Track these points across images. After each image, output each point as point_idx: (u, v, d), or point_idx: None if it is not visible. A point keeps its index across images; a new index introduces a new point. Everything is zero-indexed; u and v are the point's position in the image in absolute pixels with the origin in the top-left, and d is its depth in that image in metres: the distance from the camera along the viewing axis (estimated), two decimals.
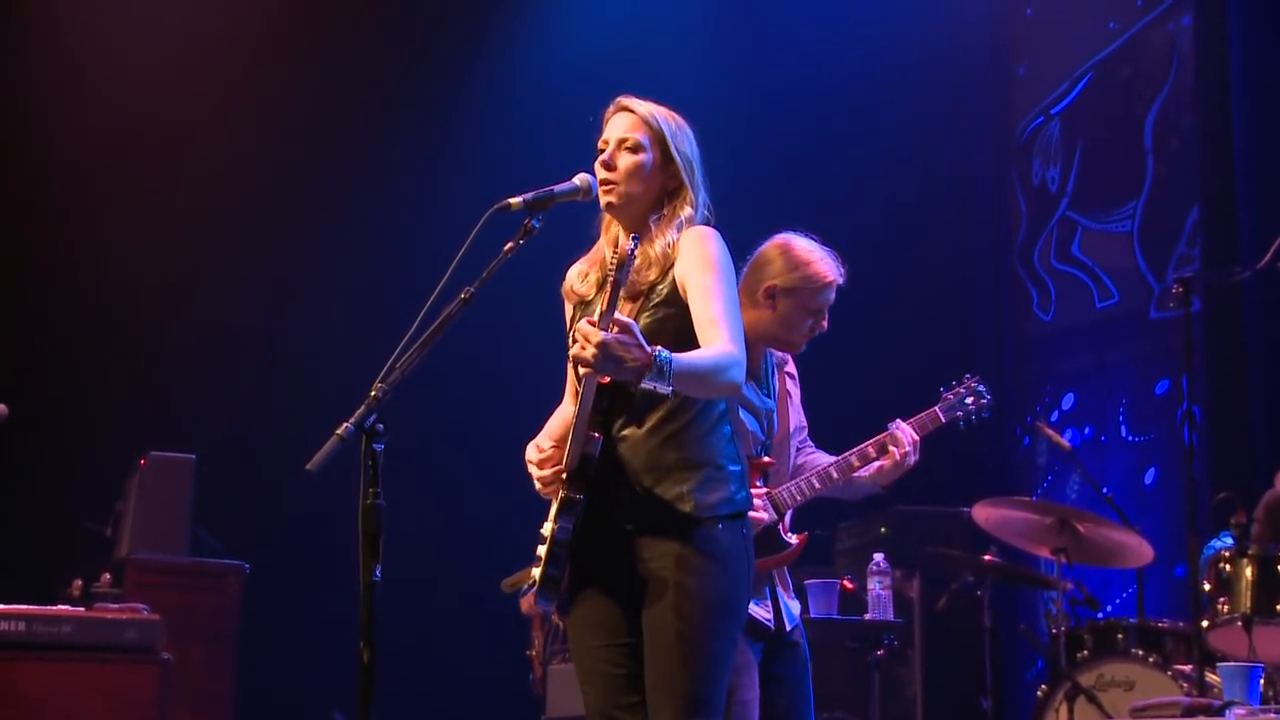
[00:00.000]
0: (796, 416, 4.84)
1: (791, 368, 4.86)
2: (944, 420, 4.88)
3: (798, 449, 4.82)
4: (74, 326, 8.75)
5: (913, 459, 4.69)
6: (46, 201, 8.82)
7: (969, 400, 4.94)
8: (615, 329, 3.35)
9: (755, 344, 4.47)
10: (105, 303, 8.80)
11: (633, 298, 3.68)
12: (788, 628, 4.50)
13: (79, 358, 8.72)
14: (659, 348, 3.39)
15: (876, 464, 4.71)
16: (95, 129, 8.89)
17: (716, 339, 3.55)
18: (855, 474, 4.73)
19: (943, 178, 10.00)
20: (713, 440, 3.67)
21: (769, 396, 4.66)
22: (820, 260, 4.61)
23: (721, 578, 3.58)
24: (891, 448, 4.67)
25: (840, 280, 4.62)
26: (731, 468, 3.69)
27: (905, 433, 4.69)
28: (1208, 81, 8.34)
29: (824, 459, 4.78)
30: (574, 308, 3.86)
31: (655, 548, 3.59)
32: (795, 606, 4.62)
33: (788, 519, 4.65)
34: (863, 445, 4.71)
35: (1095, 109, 9.47)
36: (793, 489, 4.64)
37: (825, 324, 4.63)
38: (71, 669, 6.03)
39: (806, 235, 4.67)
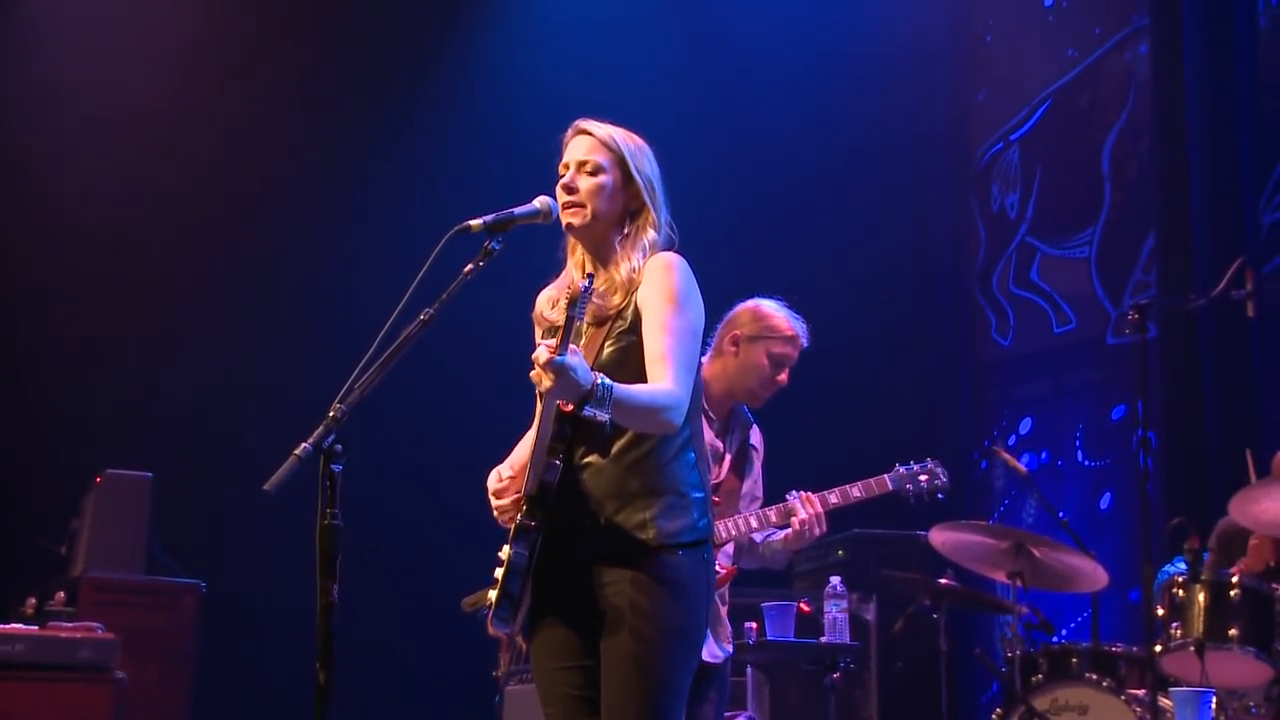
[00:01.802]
0: (751, 482, 4.99)
1: (757, 439, 5.08)
2: (891, 488, 5.13)
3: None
4: (31, 342, 8.70)
5: (815, 530, 4.86)
6: (2, 217, 8.78)
7: (922, 478, 5.16)
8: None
9: (723, 396, 4.95)
10: (62, 319, 8.76)
11: (599, 323, 3.70)
12: (704, 658, 4.59)
13: (35, 374, 8.67)
14: (600, 375, 3.41)
15: (785, 532, 4.96)
16: (55, 149, 8.86)
17: (661, 377, 3.56)
18: (770, 541, 5.00)
19: (902, 203, 10.04)
20: (676, 467, 3.67)
21: (720, 440, 4.93)
22: (784, 317, 5.02)
23: (680, 605, 3.59)
24: (791, 519, 4.85)
25: (803, 339, 5.02)
26: (695, 494, 3.69)
27: (805, 506, 4.91)
28: (1164, 109, 8.41)
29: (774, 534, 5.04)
30: (543, 333, 3.85)
31: (617, 574, 3.59)
32: (725, 647, 4.74)
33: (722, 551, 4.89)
34: (771, 507, 4.97)
35: (1054, 135, 9.54)
36: (727, 524, 4.91)
37: (784, 378, 4.99)
38: (25, 688, 6.00)
39: (779, 301, 5.04)
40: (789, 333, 4.96)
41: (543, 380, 3.35)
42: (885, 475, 5.10)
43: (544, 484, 3.59)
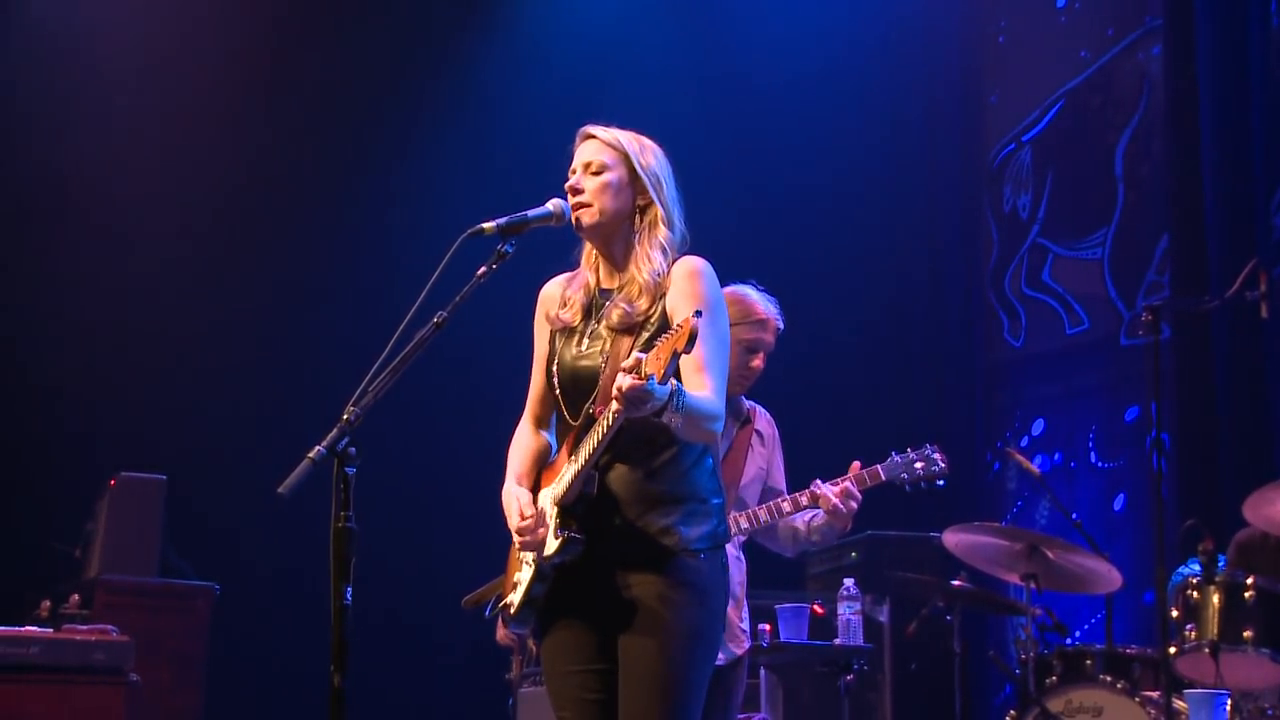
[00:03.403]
0: (757, 469, 4.95)
1: (761, 425, 5.04)
2: (884, 478, 5.01)
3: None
4: (45, 346, 8.71)
5: (844, 506, 4.85)
6: (12, 221, 8.79)
7: (918, 465, 5.04)
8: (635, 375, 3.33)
9: None
10: (76, 322, 8.77)
11: (628, 330, 3.68)
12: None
13: (50, 377, 8.68)
14: (673, 381, 3.39)
15: (817, 512, 4.92)
16: (67, 150, 8.89)
17: (699, 386, 3.57)
18: (813, 523, 4.95)
19: (915, 203, 10.05)
20: (696, 474, 3.69)
21: None
22: (757, 301, 4.90)
23: (700, 610, 3.61)
24: (821, 505, 4.87)
25: (776, 321, 4.90)
26: (714, 501, 3.72)
27: (826, 489, 4.86)
28: (1178, 110, 8.38)
29: (797, 517, 4.99)
30: (554, 333, 3.84)
31: (636, 578, 3.60)
32: (730, 649, 4.72)
33: None
34: (795, 494, 4.93)
35: (1066, 136, 9.52)
36: (757, 513, 4.88)
37: (759, 363, 4.88)
38: (39, 690, 6.01)
39: (756, 287, 4.91)
40: (758, 316, 4.86)
41: (626, 408, 3.34)
42: (878, 465, 5.01)
43: (584, 495, 3.60)
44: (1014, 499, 9.40)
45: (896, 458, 5.06)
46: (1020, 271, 9.65)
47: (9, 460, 8.40)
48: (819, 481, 4.90)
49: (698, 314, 3.32)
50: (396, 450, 8.29)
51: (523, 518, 3.65)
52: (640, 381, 3.29)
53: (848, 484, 4.88)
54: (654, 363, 3.30)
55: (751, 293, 4.90)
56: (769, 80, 9.76)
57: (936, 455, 5.07)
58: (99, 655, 6.14)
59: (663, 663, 3.54)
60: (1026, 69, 9.90)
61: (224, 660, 7.61)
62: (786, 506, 4.91)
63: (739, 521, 4.89)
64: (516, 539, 3.67)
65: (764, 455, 5.03)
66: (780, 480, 5.08)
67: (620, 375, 3.33)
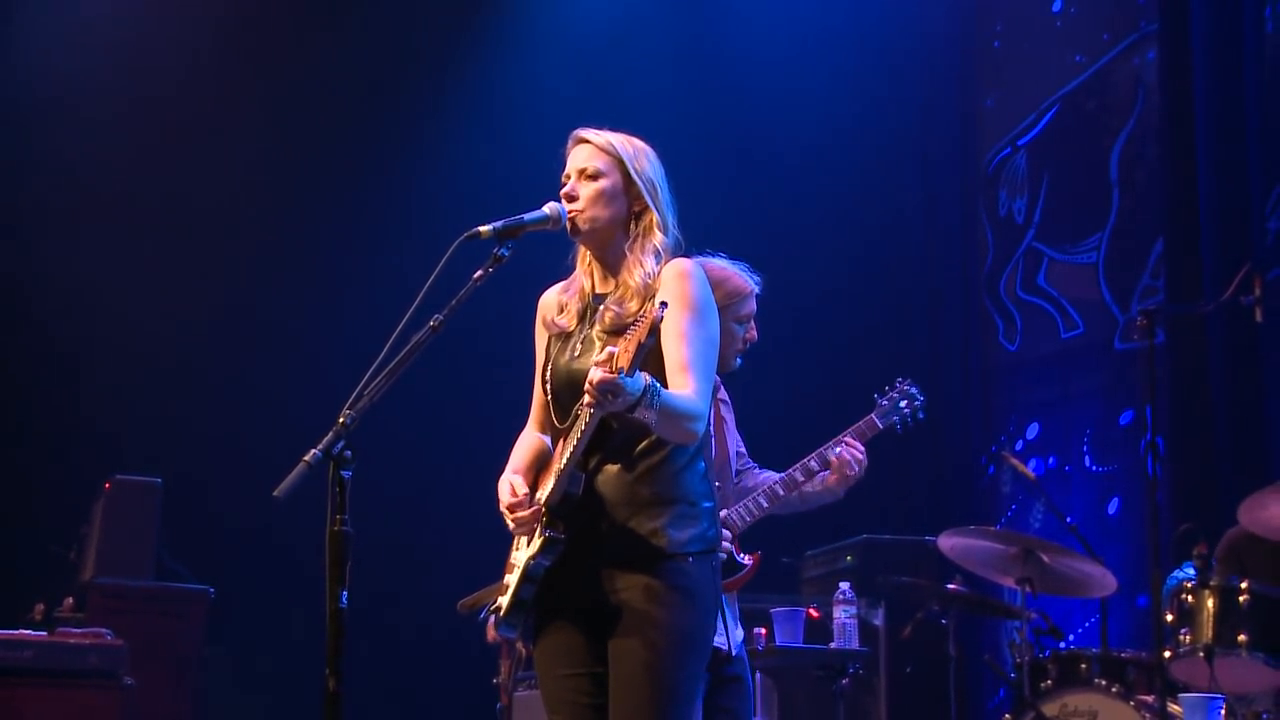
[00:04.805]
0: (733, 442, 4.93)
1: (723, 394, 4.96)
2: (880, 427, 5.07)
3: (739, 471, 4.94)
4: (39, 349, 8.71)
5: (857, 467, 4.85)
6: (8, 223, 8.79)
7: (903, 404, 5.12)
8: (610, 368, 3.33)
9: None
10: (71, 325, 8.77)
11: (617, 331, 3.66)
12: (732, 653, 4.53)
13: (45, 380, 8.69)
14: (649, 376, 3.40)
15: (823, 475, 4.87)
16: (63, 151, 8.88)
17: (682, 386, 3.56)
18: (805, 488, 4.88)
19: (910, 207, 10.05)
20: (686, 477, 3.68)
21: None
22: (736, 274, 4.76)
23: (690, 611, 3.59)
24: (835, 466, 4.83)
25: (757, 290, 4.77)
26: (704, 504, 3.70)
27: (846, 451, 4.85)
28: (1173, 115, 8.39)
29: (770, 476, 4.93)
30: (551, 338, 3.85)
31: (625, 580, 3.59)
32: (738, 634, 4.68)
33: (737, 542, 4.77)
34: (805, 459, 4.87)
35: (1062, 141, 9.53)
36: (741, 510, 4.79)
37: (754, 334, 4.79)
38: (33, 694, 6.02)
39: (715, 255, 4.75)
40: (747, 289, 4.75)
41: (598, 401, 3.34)
42: (872, 416, 5.03)
43: (568, 495, 3.59)
44: (1009, 503, 9.41)
45: (883, 402, 5.12)
46: (1015, 275, 9.66)
47: (3, 462, 8.39)
48: (833, 445, 4.89)
49: (663, 305, 3.33)
50: (392, 454, 8.29)
51: (513, 495, 3.65)
52: (611, 375, 3.29)
53: (856, 449, 4.87)
54: (623, 356, 3.30)
55: (728, 267, 4.76)
56: (763, 86, 9.77)
57: (913, 389, 5.16)
58: (93, 659, 6.15)
59: (652, 665, 3.53)
60: (1022, 73, 9.92)
61: (219, 664, 7.60)
62: (800, 475, 4.87)
63: (759, 500, 4.84)
64: (507, 517, 3.67)
65: (731, 424, 5.01)
66: (741, 441, 5.05)
67: (593, 369, 3.34)
